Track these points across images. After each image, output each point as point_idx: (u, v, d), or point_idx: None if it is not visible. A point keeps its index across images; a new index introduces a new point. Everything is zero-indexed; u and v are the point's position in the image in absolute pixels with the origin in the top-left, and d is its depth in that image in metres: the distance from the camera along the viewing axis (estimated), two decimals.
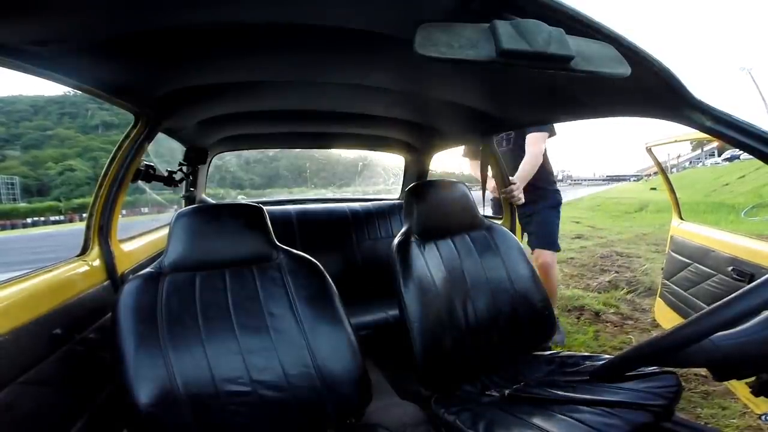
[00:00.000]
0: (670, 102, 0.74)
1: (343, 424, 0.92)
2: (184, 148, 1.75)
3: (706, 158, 32.61)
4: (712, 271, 1.64)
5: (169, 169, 1.53)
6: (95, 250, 1.09)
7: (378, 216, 2.22)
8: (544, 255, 2.11)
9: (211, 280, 0.95)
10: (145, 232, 1.54)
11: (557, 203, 2.20)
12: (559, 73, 0.49)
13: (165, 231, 1.13)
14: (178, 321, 0.87)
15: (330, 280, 1.01)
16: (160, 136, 1.31)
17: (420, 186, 1.30)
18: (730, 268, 1.51)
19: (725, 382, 1.23)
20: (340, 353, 0.93)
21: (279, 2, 0.62)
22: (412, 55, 0.43)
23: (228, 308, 0.92)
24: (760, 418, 0.85)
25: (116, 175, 1.10)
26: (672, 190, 2.05)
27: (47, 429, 0.77)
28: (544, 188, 2.15)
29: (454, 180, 1.37)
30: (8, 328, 0.71)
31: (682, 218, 2.01)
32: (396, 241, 1.17)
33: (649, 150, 2.02)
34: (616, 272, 3.86)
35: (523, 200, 1.73)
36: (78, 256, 1.07)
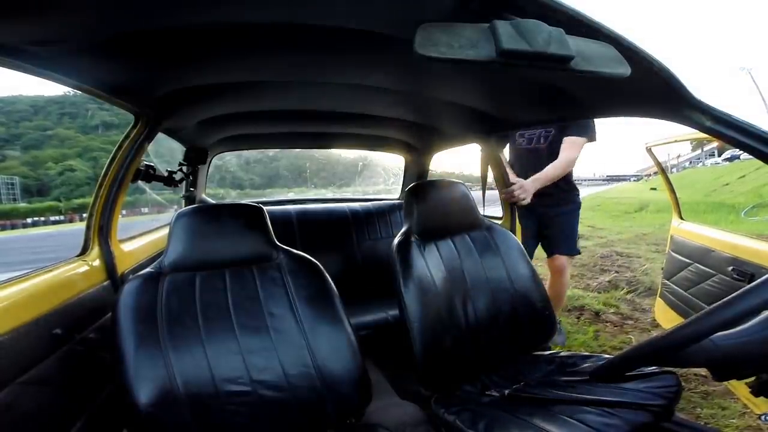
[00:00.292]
0: (670, 102, 0.74)
1: (343, 424, 0.92)
2: (184, 148, 1.75)
3: (706, 158, 32.60)
4: (712, 271, 1.64)
5: (169, 169, 1.53)
6: (95, 250, 1.09)
7: (378, 216, 2.22)
8: (561, 258, 2.03)
9: (211, 280, 0.95)
10: (145, 232, 1.54)
11: (578, 206, 2.08)
12: (559, 73, 0.49)
13: (165, 231, 1.14)
14: (178, 321, 0.87)
15: (330, 280, 1.01)
16: (160, 136, 1.31)
17: (420, 186, 1.30)
18: (730, 268, 1.51)
19: (725, 382, 1.23)
20: (340, 353, 0.93)
21: (279, 2, 0.62)
22: (412, 55, 0.43)
23: (228, 308, 0.92)
24: (759, 418, 0.85)
25: (116, 175, 1.10)
26: (672, 190, 2.05)
27: (47, 429, 0.77)
28: (567, 191, 2.03)
29: (454, 180, 1.37)
30: (8, 328, 0.71)
31: (682, 218, 2.01)
32: (396, 241, 1.17)
33: (649, 150, 2.02)
34: (616, 272, 3.86)
35: (527, 201, 1.66)
36: (78, 256, 1.07)
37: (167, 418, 0.80)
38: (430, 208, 1.25)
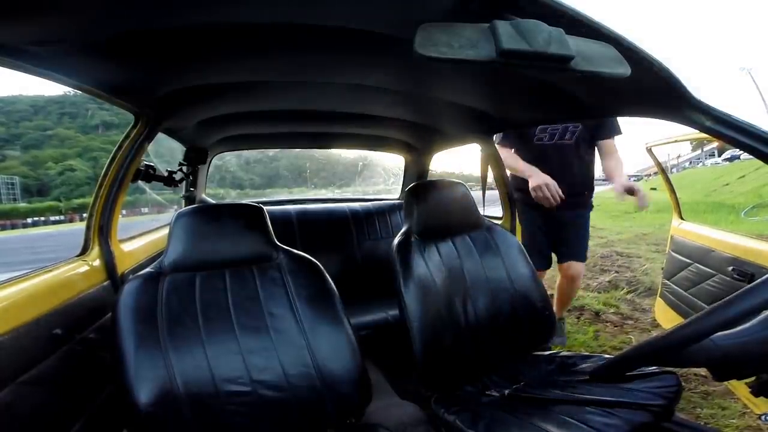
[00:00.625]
0: (670, 102, 0.74)
1: (343, 424, 0.92)
2: (184, 148, 1.75)
3: (706, 158, 32.58)
4: (712, 271, 1.64)
5: (169, 169, 1.53)
6: (95, 250, 1.09)
7: (378, 216, 2.22)
8: (579, 265, 1.95)
9: (211, 280, 0.95)
10: (145, 232, 1.54)
11: (591, 208, 2.02)
12: (559, 73, 0.49)
13: (165, 231, 1.13)
14: (178, 321, 0.87)
15: (330, 280, 1.01)
16: (160, 136, 1.31)
17: (420, 186, 1.30)
18: (730, 268, 1.51)
19: (725, 382, 1.23)
20: (340, 353, 0.93)
21: (279, 2, 0.62)
22: (412, 55, 0.43)
23: (228, 308, 0.92)
24: (760, 418, 0.85)
25: (116, 175, 1.10)
26: (672, 190, 2.05)
27: (47, 429, 0.77)
28: (586, 195, 1.94)
29: (455, 180, 1.37)
30: (8, 328, 0.71)
31: (682, 218, 2.01)
32: (396, 241, 1.17)
33: (649, 150, 2.02)
34: (616, 272, 3.86)
35: (558, 202, 1.61)
36: (78, 256, 1.07)
37: (167, 418, 0.80)
38: (430, 208, 1.25)
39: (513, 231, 1.64)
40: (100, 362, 0.94)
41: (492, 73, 0.92)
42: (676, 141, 1.88)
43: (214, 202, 2.13)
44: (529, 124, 1.65)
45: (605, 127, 1.84)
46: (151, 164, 1.28)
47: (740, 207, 9.12)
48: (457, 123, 1.61)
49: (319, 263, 1.03)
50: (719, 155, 30.69)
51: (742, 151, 0.75)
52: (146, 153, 1.20)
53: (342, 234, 2.12)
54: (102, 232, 1.10)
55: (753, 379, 0.62)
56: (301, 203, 2.32)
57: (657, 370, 0.94)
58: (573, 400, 0.93)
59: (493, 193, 1.72)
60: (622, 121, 1.99)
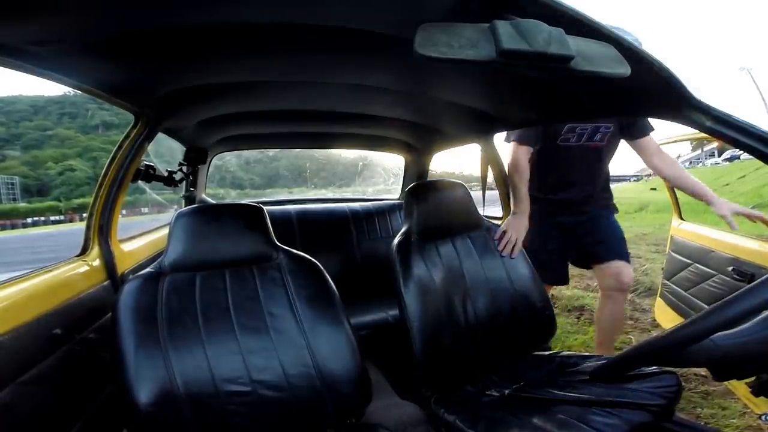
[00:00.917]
0: (670, 102, 0.74)
1: (343, 423, 0.92)
2: (184, 148, 1.75)
3: (706, 158, 32.59)
4: (712, 272, 1.64)
5: (169, 169, 1.53)
6: (95, 250, 1.09)
7: (378, 216, 2.22)
8: (627, 268, 1.69)
9: (211, 280, 0.95)
10: (145, 232, 1.54)
11: (616, 211, 1.78)
12: (559, 73, 0.49)
13: (165, 231, 1.13)
14: (178, 321, 0.87)
15: (330, 280, 1.01)
16: (160, 136, 1.31)
17: (420, 186, 1.30)
18: (730, 269, 1.51)
19: (725, 382, 1.23)
20: (339, 353, 0.93)
21: (279, 2, 0.62)
22: (412, 55, 0.43)
23: (228, 308, 0.92)
24: (760, 418, 0.85)
25: (116, 175, 1.10)
26: (672, 190, 2.05)
27: (47, 429, 0.77)
28: (607, 197, 1.75)
29: (455, 180, 1.37)
30: (8, 328, 0.71)
31: (682, 218, 2.01)
32: (396, 241, 1.17)
33: None
34: None
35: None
36: (78, 256, 1.07)
37: (167, 418, 0.80)
38: (430, 209, 1.25)
39: None
40: (100, 362, 0.94)
41: (492, 73, 0.92)
42: (676, 141, 1.88)
43: (214, 202, 2.13)
44: (529, 123, 1.65)
45: (637, 124, 1.62)
46: (151, 164, 1.28)
47: None
48: (457, 123, 1.61)
49: (319, 263, 1.03)
50: (719, 155, 30.71)
51: (742, 151, 0.75)
52: (146, 153, 1.20)
53: (342, 234, 2.12)
54: (102, 232, 1.10)
55: (753, 379, 0.62)
56: (301, 203, 2.33)
57: (657, 370, 0.94)
58: (573, 400, 0.93)
59: (493, 193, 1.72)
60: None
